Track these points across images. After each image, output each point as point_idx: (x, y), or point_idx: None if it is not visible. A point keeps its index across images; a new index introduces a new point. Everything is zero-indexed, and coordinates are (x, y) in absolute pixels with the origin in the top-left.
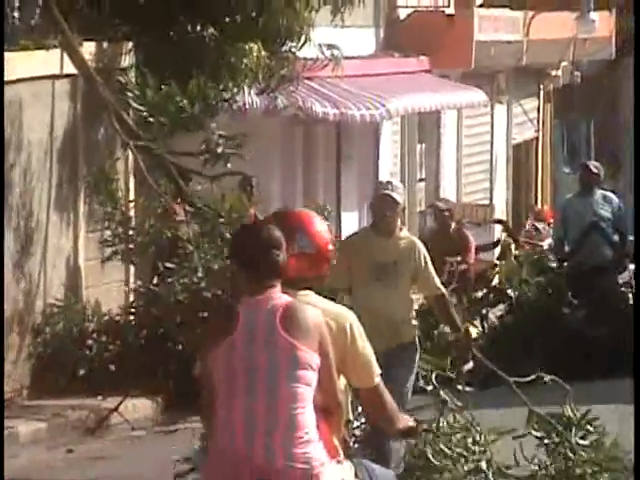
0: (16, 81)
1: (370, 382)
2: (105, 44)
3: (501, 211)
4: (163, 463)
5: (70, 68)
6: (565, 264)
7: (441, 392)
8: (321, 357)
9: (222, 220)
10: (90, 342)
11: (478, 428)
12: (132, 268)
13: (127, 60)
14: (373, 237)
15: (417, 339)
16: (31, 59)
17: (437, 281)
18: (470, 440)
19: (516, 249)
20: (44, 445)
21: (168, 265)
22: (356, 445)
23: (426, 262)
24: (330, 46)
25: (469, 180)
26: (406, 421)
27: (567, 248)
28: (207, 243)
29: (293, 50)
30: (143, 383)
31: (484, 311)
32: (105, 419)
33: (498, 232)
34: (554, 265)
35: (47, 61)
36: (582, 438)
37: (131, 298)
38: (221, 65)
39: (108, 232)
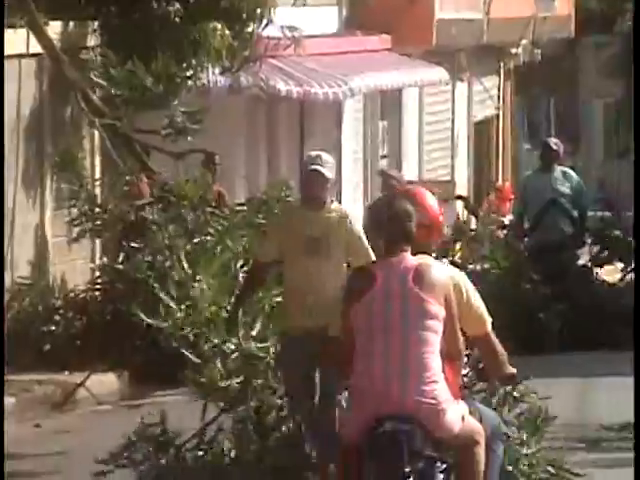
0: None
1: (483, 330)
2: (71, 24)
3: (462, 187)
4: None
5: (36, 47)
6: (525, 240)
7: None
8: (446, 310)
9: (185, 202)
10: (57, 318)
11: None
12: (98, 245)
13: (93, 39)
14: (303, 211)
15: None
16: None
17: (370, 254)
18: None
19: (476, 225)
20: (11, 419)
21: (133, 244)
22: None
23: (359, 235)
24: (291, 28)
25: (431, 157)
26: (510, 368)
27: (527, 224)
28: (171, 224)
29: (256, 30)
30: (109, 358)
31: None
32: (72, 394)
33: (459, 208)
34: (514, 241)
35: (13, 40)
36: (517, 416)
37: (97, 274)
38: (184, 44)
39: (75, 210)
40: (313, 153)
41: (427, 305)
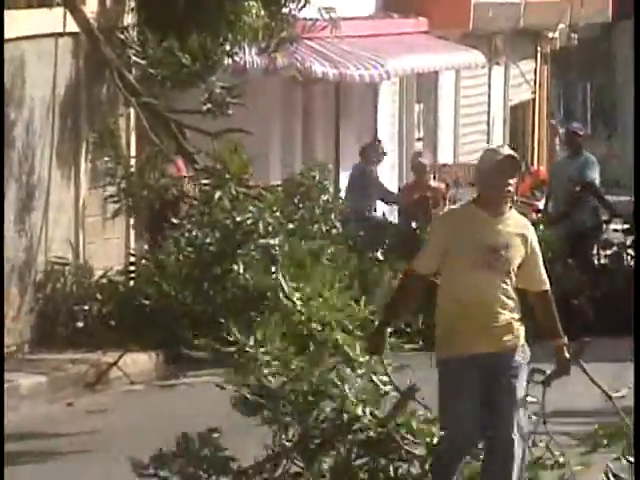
0: (19, 39)
1: None
2: (107, 2)
3: None
4: (161, 416)
5: (73, 26)
6: (558, 225)
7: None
8: None
9: (228, 176)
10: (91, 297)
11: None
12: (132, 224)
13: (129, 18)
14: (481, 215)
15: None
16: (34, 17)
17: (544, 274)
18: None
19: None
20: (44, 398)
21: (173, 220)
22: None
23: (535, 249)
24: (328, 9)
25: (466, 140)
26: None
27: (551, 209)
28: (214, 198)
29: (293, 12)
30: (143, 338)
31: None
32: (105, 373)
33: None
34: (548, 226)
35: (50, 19)
36: None
37: (132, 256)
38: (220, 23)
39: (112, 188)
40: (494, 146)
41: None
